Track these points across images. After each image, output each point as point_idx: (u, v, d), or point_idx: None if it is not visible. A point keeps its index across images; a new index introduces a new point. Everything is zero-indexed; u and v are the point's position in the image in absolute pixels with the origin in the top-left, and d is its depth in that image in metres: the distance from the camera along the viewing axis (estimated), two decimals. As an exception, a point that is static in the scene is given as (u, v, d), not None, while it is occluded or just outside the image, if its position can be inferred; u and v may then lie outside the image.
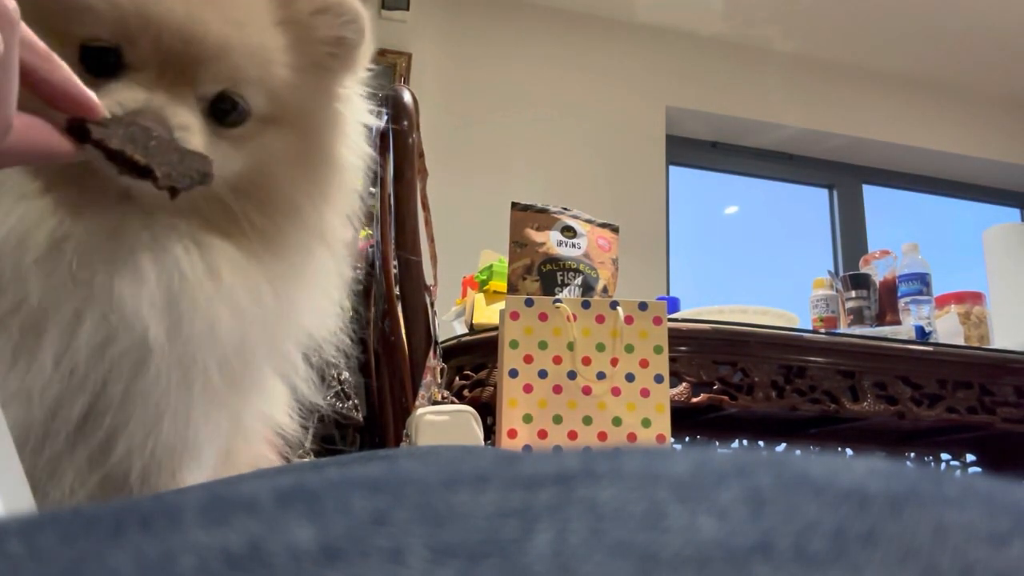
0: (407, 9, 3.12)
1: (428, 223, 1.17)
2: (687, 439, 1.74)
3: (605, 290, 1.22)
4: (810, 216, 3.76)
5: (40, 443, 0.49)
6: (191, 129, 0.51)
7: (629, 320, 1.03)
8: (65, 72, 0.42)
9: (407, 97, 1.19)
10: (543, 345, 1.01)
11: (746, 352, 1.44)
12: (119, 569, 0.17)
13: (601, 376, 1.01)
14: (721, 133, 3.61)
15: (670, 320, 1.16)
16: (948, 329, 1.84)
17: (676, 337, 1.34)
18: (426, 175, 1.19)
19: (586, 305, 1.04)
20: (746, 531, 0.17)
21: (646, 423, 1.00)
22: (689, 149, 3.57)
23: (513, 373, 1.00)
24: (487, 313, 1.54)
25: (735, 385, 1.42)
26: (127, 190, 0.51)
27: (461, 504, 0.18)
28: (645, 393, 1.01)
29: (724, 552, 0.17)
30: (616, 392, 1.01)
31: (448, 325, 1.69)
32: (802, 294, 2.10)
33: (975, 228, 2.22)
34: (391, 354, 1.18)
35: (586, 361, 1.01)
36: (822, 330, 1.93)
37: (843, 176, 3.76)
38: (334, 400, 1.12)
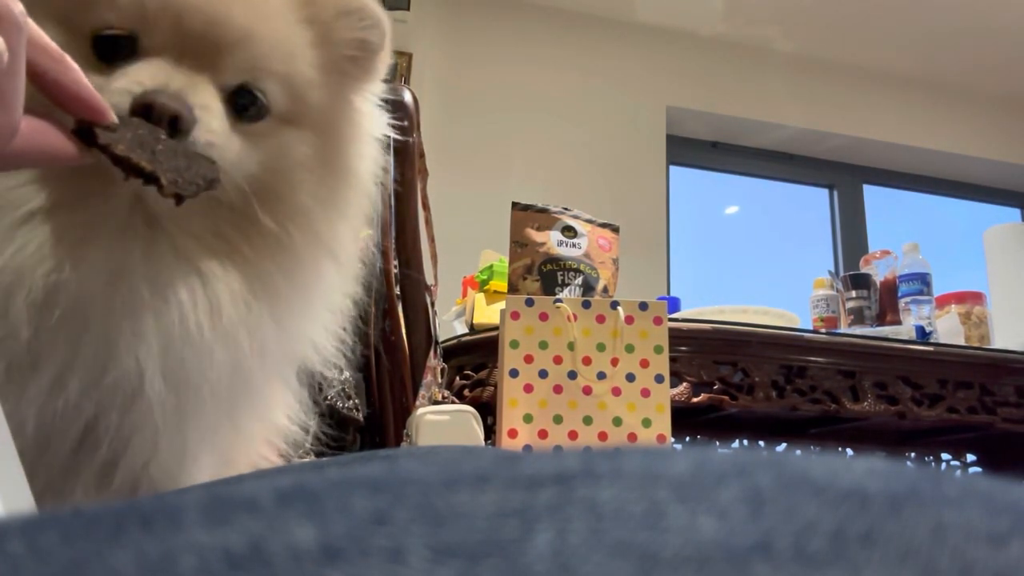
0: (407, 9, 3.11)
1: (428, 223, 1.17)
2: (687, 439, 1.74)
3: (605, 290, 1.22)
4: (810, 216, 3.76)
5: (33, 471, 0.49)
6: (211, 109, 0.49)
7: (629, 320, 1.03)
8: (76, 74, 0.42)
9: (407, 97, 1.19)
10: (543, 345, 1.01)
11: (747, 352, 1.44)
12: (120, 569, 0.17)
13: (601, 376, 1.01)
14: (721, 133, 3.61)
15: (670, 320, 1.16)
16: (948, 329, 1.84)
17: (677, 337, 1.34)
18: (426, 175, 1.19)
19: (586, 305, 1.04)
20: (746, 531, 0.17)
21: (646, 423, 1.00)
22: (689, 149, 3.57)
23: (513, 373, 1.00)
24: (487, 313, 1.54)
25: (735, 385, 1.42)
26: (137, 196, 0.49)
27: (461, 504, 0.18)
28: (645, 393, 1.01)
29: (724, 552, 0.17)
30: (616, 392, 1.01)
31: (448, 325, 1.69)
32: (802, 294, 2.11)
33: (975, 228, 2.22)
34: (391, 354, 1.18)
35: (586, 361, 1.01)
36: (822, 330, 1.93)
37: (843, 176, 3.76)
38: (335, 400, 1.12)
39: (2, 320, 0.46)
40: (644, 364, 1.02)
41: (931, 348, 1.57)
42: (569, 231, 1.22)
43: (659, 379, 1.02)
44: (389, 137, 0.65)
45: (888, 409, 1.49)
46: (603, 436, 0.99)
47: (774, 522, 0.18)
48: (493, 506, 0.18)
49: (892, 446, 1.94)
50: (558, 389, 1.00)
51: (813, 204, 3.75)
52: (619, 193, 3.18)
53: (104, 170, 0.45)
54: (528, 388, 1.00)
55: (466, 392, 1.41)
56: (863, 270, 2.04)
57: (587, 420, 1.00)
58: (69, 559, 0.17)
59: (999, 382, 1.57)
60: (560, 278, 1.18)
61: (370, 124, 0.61)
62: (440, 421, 0.97)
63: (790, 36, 3.53)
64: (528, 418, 0.99)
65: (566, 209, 1.25)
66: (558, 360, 1.01)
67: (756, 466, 0.19)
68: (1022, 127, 3.85)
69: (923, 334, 1.73)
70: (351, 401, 1.16)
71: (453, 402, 1.06)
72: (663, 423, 1.01)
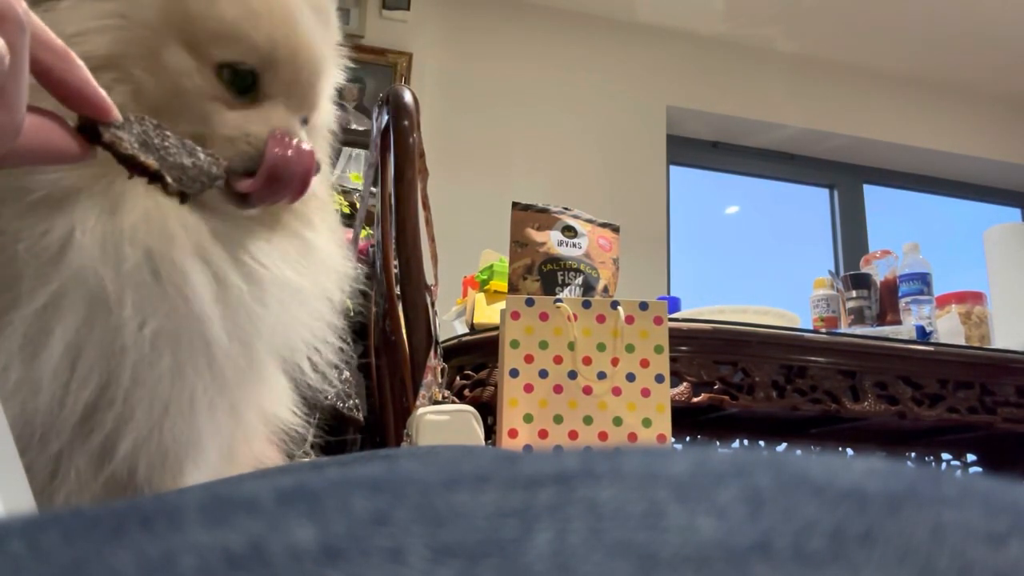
0: (408, 9, 3.12)
1: (429, 223, 1.17)
2: (688, 439, 1.74)
3: (606, 290, 1.22)
4: (811, 216, 3.76)
5: (46, 436, 0.50)
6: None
7: (630, 320, 1.03)
8: (82, 73, 0.42)
9: (408, 97, 1.19)
10: (544, 345, 1.01)
11: (747, 352, 1.44)
12: (120, 569, 0.17)
13: (602, 376, 1.01)
14: (722, 133, 3.61)
15: (671, 320, 1.16)
16: (949, 329, 1.84)
17: (677, 337, 1.34)
18: (427, 175, 1.19)
19: (587, 305, 1.04)
20: (745, 531, 0.17)
21: (647, 423, 1.00)
22: (690, 149, 3.57)
23: (514, 373, 1.00)
24: (488, 313, 1.54)
25: (736, 385, 1.42)
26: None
27: (461, 504, 0.18)
28: (646, 393, 1.01)
29: (723, 552, 0.17)
30: (617, 392, 1.01)
31: (449, 325, 1.69)
32: (803, 294, 2.11)
33: (976, 228, 2.22)
34: (392, 354, 1.18)
35: (587, 361, 1.01)
36: (823, 330, 1.93)
37: (844, 176, 3.76)
38: (335, 400, 1.12)
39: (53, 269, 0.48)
40: (644, 364, 1.02)
41: (931, 348, 1.57)
42: (569, 231, 1.22)
43: (659, 379, 1.02)
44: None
45: (888, 409, 1.49)
46: (603, 436, 0.99)
47: (773, 522, 0.18)
48: (493, 506, 0.18)
49: (892, 446, 1.94)
50: (558, 389, 1.00)
51: (813, 204, 3.75)
52: (619, 193, 3.18)
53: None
54: (528, 388, 1.00)
55: (466, 392, 1.41)
56: (863, 270, 2.04)
57: (587, 420, 1.00)
58: (70, 559, 0.17)
59: (999, 382, 1.57)
60: (560, 278, 1.18)
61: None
62: (440, 421, 0.97)
63: (790, 36, 3.53)
64: (528, 418, 0.99)
65: (566, 209, 1.25)
66: (558, 360, 1.01)
67: (755, 466, 0.19)
68: (1022, 127, 3.84)
69: (923, 334, 1.73)
70: (351, 401, 1.16)
71: (453, 402, 1.06)
72: (663, 423, 1.01)
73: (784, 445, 1.83)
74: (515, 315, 1.02)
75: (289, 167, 0.53)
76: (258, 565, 0.17)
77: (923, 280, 1.88)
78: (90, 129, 0.43)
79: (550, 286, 1.17)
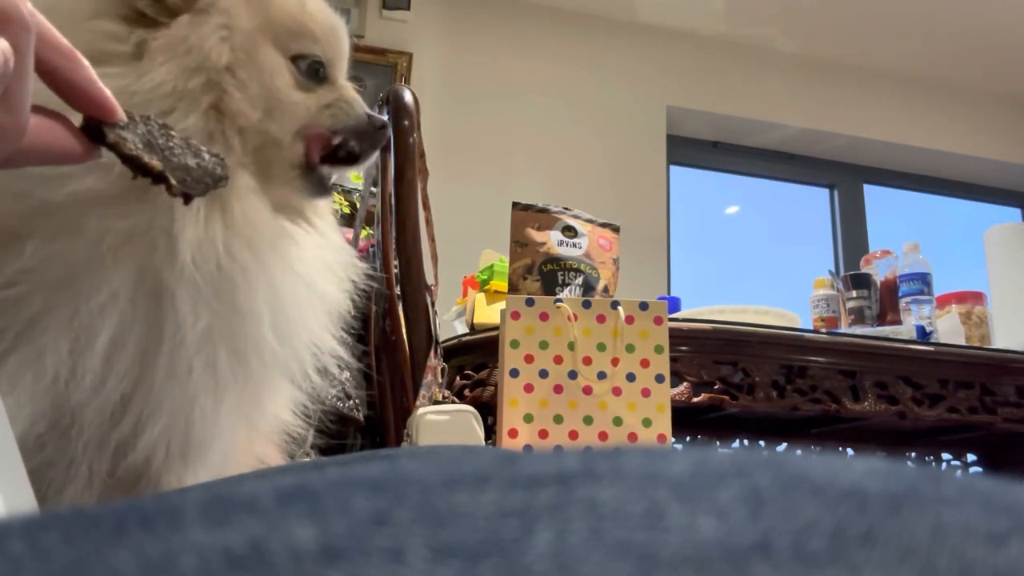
0: (408, 9, 3.12)
1: (429, 223, 1.17)
2: (688, 439, 1.74)
3: (606, 290, 1.22)
4: (811, 216, 3.76)
5: (77, 427, 0.51)
6: None
7: (630, 320, 1.03)
8: (87, 72, 0.42)
9: (408, 97, 1.19)
10: (544, 345, 1.01)
11: (747, 352, 1.44)
12: (120, 569, 0.17)
13: (602, 376, 1.01)
14: (722, 133, 3.61)
15: (671, 320, 1.16)
16: (949, 329, 1.84)
17: (677, 337, 1.34)
18: (427, 175, 1.19)
19: (587, 305, 1.04)
20: (745, 531, 0.17)
21: (647, 423, 1.00)
22: (690, 149, 3.57)
23: (514, 373, 1.00)
24: (488, 313, 1.54)
25: (736, 385, 1.42)
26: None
27: (461, 504, 0.18)
28: (646, 393, 1.01)
29: (723, 551, 0.17)
30: (617, 392, 1.01)
31: (449, 325, 1.69)
32: (803, 294, 2.11)
33: (976, 228, 2.22)
34: (392, 353, 1.18)
35: (587, 361, 1.01)
36: (823, 330, 1.93)
37: (844, 176, 3.76)
38: (335, 400, 1.12)
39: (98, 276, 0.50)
40: (644, 364, 1.02)
41: (932, 348, 1.57)
42: (569, 231, 1.22)
43: (659, 379, 1.02)
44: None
45: (889, 409, 1.48)
46: (603, 436, 0.99)
47: (773, 522, 0.18)
48: (493, 506, 0.18)
49: (893, 446, 1.94)
50: (558, 389, 1.00)
51: (813, 204, 3.75)
52: (620, 193, 3.18)
53: None
54: (528, 388, 1.00)
55: (466, 392, 1.41)
56: (863, 270, 2.04)
57: (587, 420, 1.00)
58: (70, 559, 0.17)
59: (1000, 382, 1.57)
60: (560, 278, 1.18)
61: None
62: (440, 421, 0.97)
63: (791, 36, 3.53)
64: (528, 418, 0.99)
65: (566, 209, 1.25)
66: (558, 360, 1.01)
67: (755, 466, 0.19)
68: (1022, 127, 3.84)
69: (924, 334, 1.73)
70: (351, 401, 1.16)
71: (453, 402, 1.06)
72: (663, 423, 1.01)
73: (784, 445, 1.83)
74: (515, 315, 1.02)
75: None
76: (258, 565, 0.17)
77: (923, 280, 1.88)
78: (95, 129, 0.43)
79: (550, 286, 1.17)
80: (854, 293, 1.94)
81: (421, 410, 0.99)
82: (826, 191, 3.77)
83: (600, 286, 1.21)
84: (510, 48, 3.32)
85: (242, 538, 0.17)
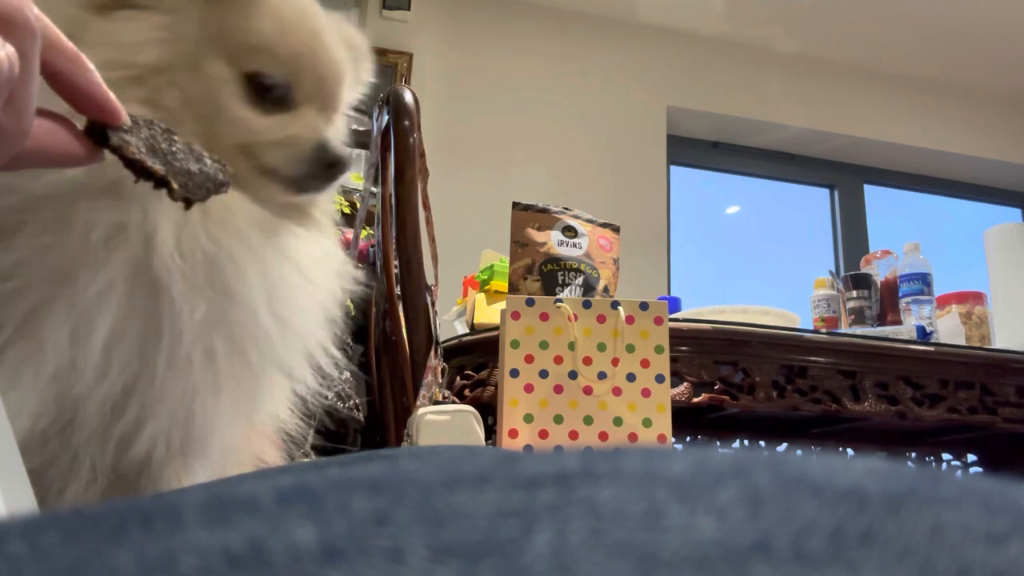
0: (408, 9, 3.12)
1: (429, 223, 1.17)
2: (688, 439, 1.74)
3: (606, 290, 1.22)
4: (811, 216, 3.76)
5: (78, 422, 0.51)
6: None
7: (630, 320, 1.03)
8: (92, 76, 0.42)
9: (408, 97, 1.19)
10: (544, 345, 1.01)
11: (747, 352, 1.44)
12: (120, 569, 0.17)
13: (602, 376, 1.01)
14: (722, 133, 3.61)
15: (671, 320, 1.16)
16: (949, 329, 1.84)
17: (677, 337, 1.34)
18: (427, 175, 1.19)
19: (587, 305, 1.04)
20: (744, 531, 0.17)
21: (647, 423, 1.00)
22: (690, 149, 3.57)
23: (514, 373, 1.00)
24: (488, 313, 1.54)
25: (736, 385, 1.42)
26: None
27: (461, 504, 0.18)
28: (646, 393, 1.01)
29: (723, 551, 0.17)
30: (617, 392, 1.01)
31: (449, 325, 1.69)
32: (803, 294, 2.11)
33: (976, 228, 2.22)
34: (392, 354, 1.18)
35: (587, 361, 1.01)
36: (823, 330, 1.93)
37: (844, 176, 3.76)
38: (335, 400, 1.12)
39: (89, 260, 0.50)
40: (645, 364, 1.02)
41: (932, 348, 1.57)
42: (570, 231, 1.22)
43: (660, 379, 1.02)
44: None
45: (889, 409, 1.48)
46: (604, 436, 0.99)
47: (773, 522, 0.18)
48: (493, 506, 0.18)
49: (893, 446, 1.94)
50: (559, 389, 1.00)
51: (814, 204, 3.75)
52: (620, 193, 3.18)
53: None
54: (529, 388, 1.00)
55: (467, 392, 1.41)
56: (864, 270, 2.04)
57: (588, 420, 1.00)
58: (70, 559, 0.17)
59: (1000, 382, 1.57)
60: (561, 278, 1.18)
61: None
62: (441, 421, 0.97)
63: (791, 36, 3.53)
64: (529, 418, 0.99)
65: (567, 209, 1.25)
66: (559, 360, 1.01)
67: (755, 466, 0.19)
68: (1022, 127, 3.84)
69: (924, 334, 1.73)
70: (351, 401, 1.16)
71: (454, 402, 1.06)
72: (664, 423, 1.01)
73: (784, 445, 1.83)
74: (515, 315, 1.02)
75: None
76: (258, 565, 0.17)
77: (923, 280, 1.88)
78: (98, 132, 0.43)
79: (550, 286, 1.17)
80: (854, 293, 1.94)
81: (421, 410, 0.99)
82: (826, 191, 3.77)
83: (600, 286, 1.21)
84: (510, 48, 3.32)
85: (242, 538, 0.17)
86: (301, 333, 0.61)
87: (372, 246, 1.27)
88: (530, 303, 1.03)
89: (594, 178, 3.21)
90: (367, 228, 1.30)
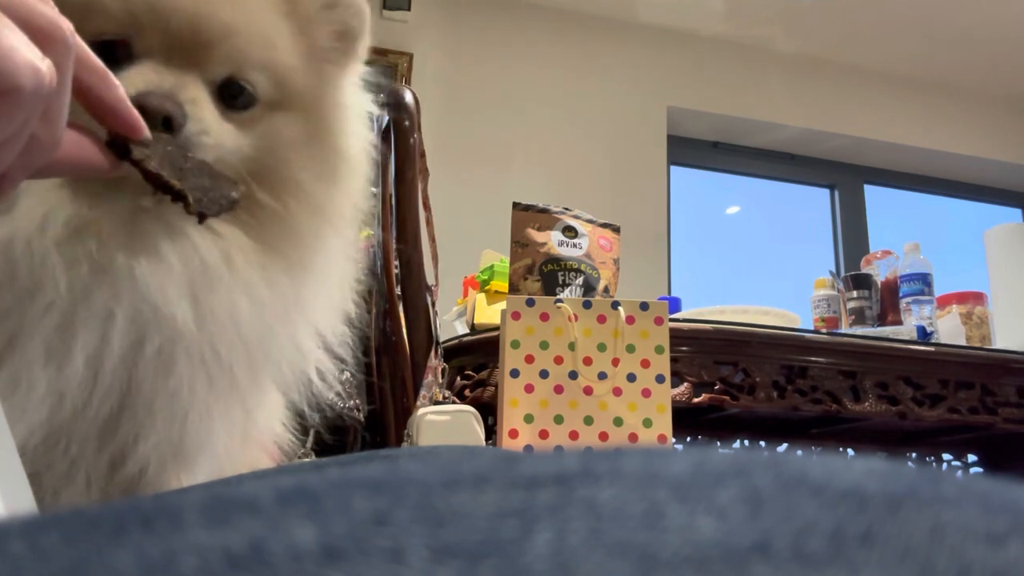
0: (408, 9, 3.12)
1: (429, 223, 1.17)
2: (689, 439, 1.74)
3: (606, 290, 1.22)
4: (811, 216, 3.77)
5: (68, 443, 0.50)
6: (200, 104, 0.53)
7: (630, 320, 1.03)
8: (119, 91, 0.44)
9: (408, 97, 1.19)
10: (544, 345, 1.01)
11: (747, 352, 1.44)
12: (121, 569, 0.17)
13: (602, 376, 1.01)
14: (722, 133, 3.61)
15: (671, 320, 1.16)
16: (950, 329, 1.84)
17: (677, 337, 1.34)
18: (427, 175, 1.19)
19: (587, 305, 1.04)
20: (744, 531, 0.17)
21: (647, 423, 1.00)
22: (691, 149, 3.57)
23: (514, 373, 1.00)
24: (488, 313, 1.54)
25: (736, 385, 1.42)
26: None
27: (461, 504, 0.18)
28: (646, 393, 1.01)
29: (723, 552, 0.17)
30: (617, 392, 1.01)
31: (449, 325, 1.69)
32: (803, 294, 2.11)
33: (976, 228, 2.22)
34: (392, 354, 1.18)
35: (587, 361, 1.01)
36: (823, 330, 1.93)
37: (844, 176, 3.76)
38: (336, 400, 1.12)
39: (40, 273, 0.48)
40: (645, 364, 1.02)
41: (932, 348, 1.57)
42: (570, 231, 1.22)
43: (660, 379, 1.02)
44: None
45: (889, 409, 1.49)
46: (604, 436, 1.00)
47: (773, 522, 0.18)
48: (493, 506, 0.18)
49: (893, 446, 1.94)
50: (559, 389, 1.00)
51: (814, 204, 3.76)
52: (620, 193, 3.18)
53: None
54: (529, 388, 1.00)
55: (467, 392, 1.41)
56: (864, 270, 2.04)
57: (588, 420, 1.00)
58: (70, 559, 0.17)
59: (1000, 382, 1.57)
60: (561, 278, 1.18)
61: (355, 102, 0.66)
62: (441, 421, 0.97)
63: (791, 36, 3.53)
64: (529, 418, 0.99)
65: (567, 209, 1.25)
66: (559, 360, 1.01)
67: (755, 466, 0.19)
68: (1022, 127, 3.85)
69: (924, 334, 1.73)
70: (352, 401, 1.16)
71: (454, 402, 1.06)
72: (664, 423, 1.01)
73: (785, 445, 1.83)
74: (516, 315, 1.02)
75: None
76: (258, 565, 0.17)
77: (924, 280, 1.88)
78: (121, 146, 0.45)
79: (551, 286, 1.17)
80: (855, 293, 1.94)
81: (421, 410, 0.99)
82: (827, 191, 3.77)
83: (600, 286, 1.21)
84: (510, 48, 3.32)
85: (242, 538, 0.17)
86: (292, 345, 0.60)
87: (372, 246, 1.28)
88: (530, 303, 1.03)
89: (594, 178, 3.21)
90: (367, 228, 1.30)
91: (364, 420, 1.21)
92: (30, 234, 0.48)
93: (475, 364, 1.43)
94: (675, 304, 2.04)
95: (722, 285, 3.72)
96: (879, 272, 2.00)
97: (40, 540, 0.18)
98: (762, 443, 1.86)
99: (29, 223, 0.48)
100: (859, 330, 1.83)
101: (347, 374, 1.14)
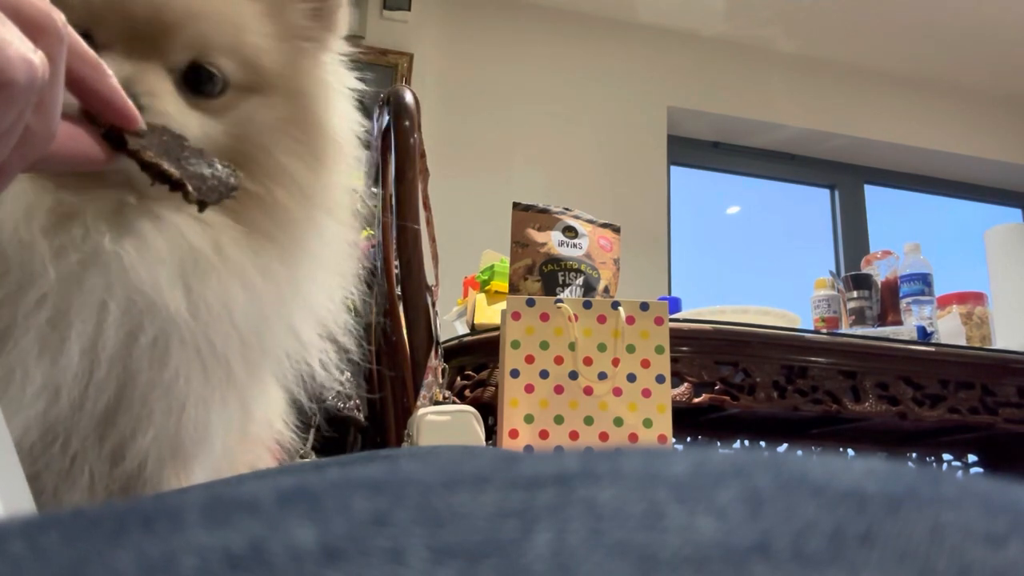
0: (408, 10, 3.12)
1: (430, 223, 1.17)
2: (689, 439, 1.74)
3: (606, 290, 1.22)
4: (812, 216, 3.77)
5: (67, 438, 0.50)
6: (158, 93, 0.51)
7: (631, 320, 1.03)
8: (112, 82, 0.43)
9: (408, 97, 1.19)
10: (544, 345, 1.01)
11: (748, 352, 1.44)
12: (121, 570, 0.17)
13: (602, 376, 1.01)
14: (723, 133, 3.61)
15: (672, 320, 1.16)
16: (950, 329, 1.84)
17: (678, 337, 1.34)
18: (427, 175, 1.19)
19: (587, 305, 1.04)
20: (744, 531, 0.17)
21: (648, 423, 1.00)
22: (691, 149, 3.57)
23: (514, 373, 1.00)
24: (488, 313, 1.54)
25: (737, 385, 1.42)
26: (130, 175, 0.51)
27: (461, 504, 0.18)
28: (647, 393, 1.01)
29: (722, 552, 0.17)
30: (617, 392, 1.01)
31: (450, 325, 1.69)
32: (804, 294, 2.11)
33: (976, 228, 2.22)
34: (393, 354, 1.18)
35: (587, 361, 1.01)
36: (824, 330, 1.93)
37: (844, 176, 3.76)
38: (336, 400, 1.12)
39: (27, 263, 0.47)
40: (645, 364, 1.02)
41: (932, 348, 1.57)
42: (570, 231, 1.22)
43: (660, 379, 1.02)
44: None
45: (889, 410, 1.49)
46: (604, 436, 1.00)
47: (773, 522, 0.18)
48: (493, 507, 0.18)
49: (894, 447, 1.94)
50: (559, 389, 1.00)
51: (814, 204, 3.76)
52: (620, 193, 3.18)
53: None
54: (529, 388, 1.00)
55: (467, 392, 1.41)
56: (864, 270, 2.04)
57: (588, 420, 1.00)
58: (70, 560, 0.17)
59: (1001, 383, 1.57)
60: (561, 278, 1.18)
61: (337, 81, 0.63)
62: (441, 421, 0.97)
63: (791, 36, 3.53)
64: (529, 418, 0.99)
65: (567, 209, 1.25)
66: (559, 360, 1.01)
67: (755, 467, 0.19)
68: (1022, 127, 3.84)
69: (924, 334, 1.73)
70: (352, 401, 1.16)
71: (454, 402, 1.06)
72: (664, 423, 1.01)
73: (785, 446, 1.83)
74: (516, 315, 1.02)
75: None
76: (258, 566, 0.17)
77: (924, 280, 1.88)
78: (116, 137, 0.44)
79: (551, 286, 1.17)
80: (855, 293, 1.94)
81: (422, 410, 0.99)
82: (827, 191, 3.77)
83: (601, 286, 1.21)
84: (511, 48, 3.32)
85: (242, 539, 0.17)
86: (290, 335, 0.59)
87: (372, 247, 1.27)
88: (530, 303, 1.03)
89: (594, 178, 3.21)
90: (367, 229, 1.30)
91: (364, 420, 1.22)
92: (16, 221, 0.47)
93: (475, 364, 1.43)
94: (675, 304, 2.04)
95: (722, 285, 3.73)
96: (879, 272, 2.00)
97: (40, 540, 0.18)
98: (762, 443, 1.86)
99: (15, 211, 0.48)
100: (859, 330, 1.83)
101: (347, 374, 1.14)
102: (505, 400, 0.99)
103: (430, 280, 1.17)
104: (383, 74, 3.06)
